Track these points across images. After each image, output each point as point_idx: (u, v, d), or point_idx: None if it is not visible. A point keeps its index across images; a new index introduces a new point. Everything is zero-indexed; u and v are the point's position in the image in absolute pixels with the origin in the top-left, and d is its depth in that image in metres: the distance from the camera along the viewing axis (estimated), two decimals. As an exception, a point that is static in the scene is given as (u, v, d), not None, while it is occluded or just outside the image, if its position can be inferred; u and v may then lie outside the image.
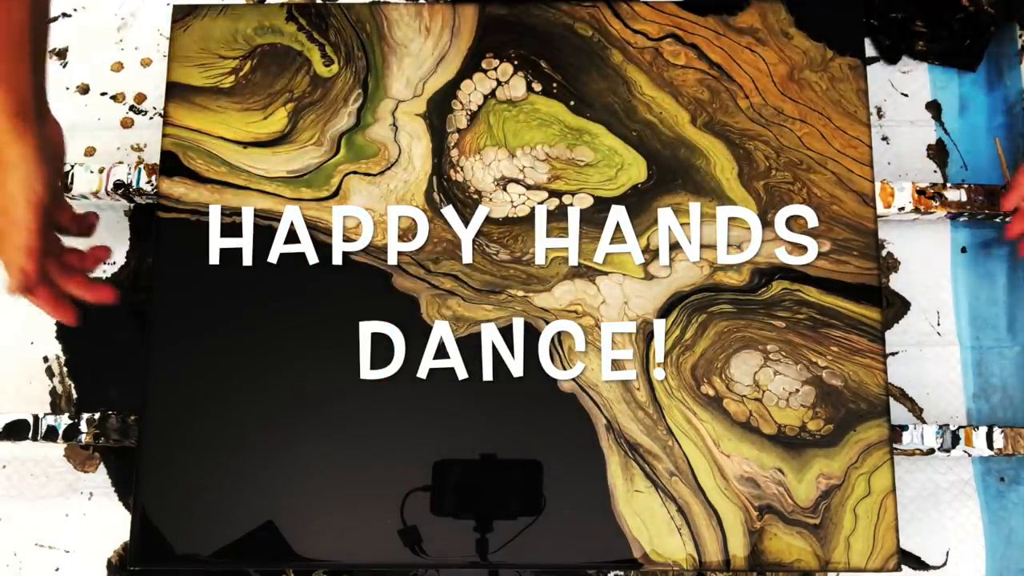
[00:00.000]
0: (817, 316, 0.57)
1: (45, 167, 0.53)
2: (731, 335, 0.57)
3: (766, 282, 0.57)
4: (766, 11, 0.61)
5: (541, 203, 0.59)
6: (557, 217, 0.58)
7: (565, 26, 0.61)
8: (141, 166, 0.62)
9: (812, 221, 0.58)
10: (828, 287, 0.57)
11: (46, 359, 0.65)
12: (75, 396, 0.65)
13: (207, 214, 0.59)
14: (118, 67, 0.69)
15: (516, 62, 0.61)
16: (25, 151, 0.53)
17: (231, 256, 0.58)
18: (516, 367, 0.56)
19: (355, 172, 0.59)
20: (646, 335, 0.57)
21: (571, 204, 0.58)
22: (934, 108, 0.67)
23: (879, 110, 0.67)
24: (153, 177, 0.62)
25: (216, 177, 0.59)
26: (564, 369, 0.56)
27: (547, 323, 0.57)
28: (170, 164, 0.59)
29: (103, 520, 0.62)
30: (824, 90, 0.60)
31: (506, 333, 0.57)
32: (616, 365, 0.56)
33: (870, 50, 0.67)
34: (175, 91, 0.61)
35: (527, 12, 0.61)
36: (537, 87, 0.60)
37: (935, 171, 0.65)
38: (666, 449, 0.55)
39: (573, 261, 0.58)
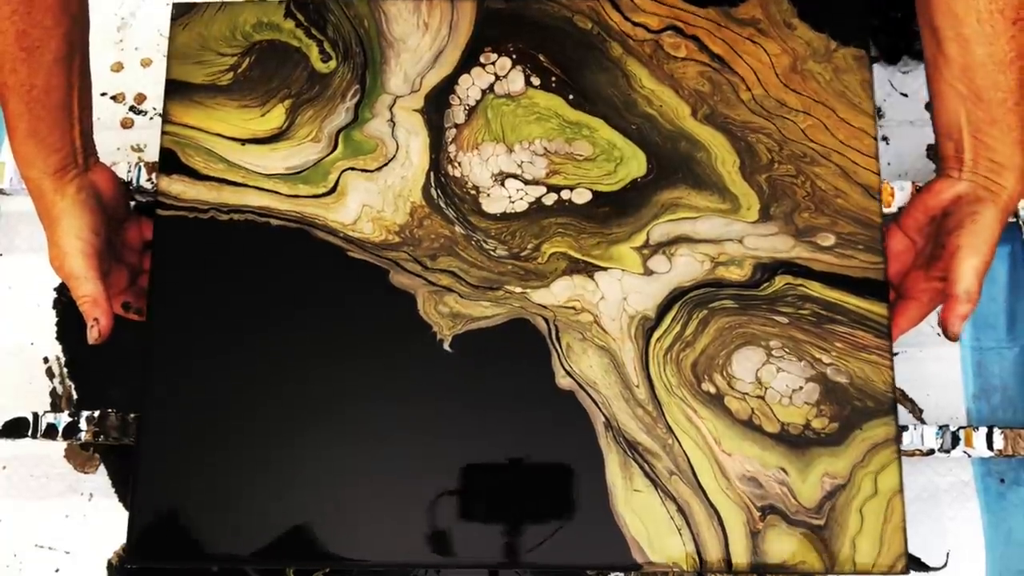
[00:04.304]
0: (821, 311, 0.55)
1: (90, 213, 0.55)
2: (733, 331, 0.55)
3: (768, 277, 0.56)
4: (768, 2, 0.60)
5: (539, 198, 0.58)
6: (555, 212, 0.58)
7: (564, 19, 0.60)
8: (141, 164, 0.62)
9: (818, 220, 0.56)
10: (833, 282, 0.56)
11: (46, 360, 0.66)
12: (75, 397, 0.65)
13: (206, 211, 0.59)
14: (118, 67, 0.69)
15: (514, 56, 0.60)
16: (65, 204, 0.55)
17: (229, 254, 0.58)
18: (513, 364, 0.55)
19: (352, 168, 0.59)
20: (645, 331, 0.56)
21: (570, 199, 0.58)
22: (930, 104, 0.65)
23: (879, 110, 0.65)
24: (153, 175, 0.62)
25: (214, 174, 0.59)
26: (562, 366, 0.55)
27: (545, 319, 0.56)
28: (169, 161, 0.59)
29: (103, 521, 0.62)
30: (828, 81, 0.59)
31: (503, 329, 0.56)
32: (615, 362, 0.55)
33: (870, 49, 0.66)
34: (174, 88, 0.61)
35: (526, 6, 0.61)
36: (536, 81, 0.60)
37: (935, 171, 0.64)
38: (666, 447, 0.54)
39: (572, 257, 0.57)
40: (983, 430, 0.57)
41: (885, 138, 0.65)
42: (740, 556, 0.53)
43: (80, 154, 0.56)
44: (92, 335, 0.55)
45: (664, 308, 0.56)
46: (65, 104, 0.54)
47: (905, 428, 0.57)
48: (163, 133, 0.60)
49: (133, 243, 0.61)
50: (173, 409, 0.56)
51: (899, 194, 0.59)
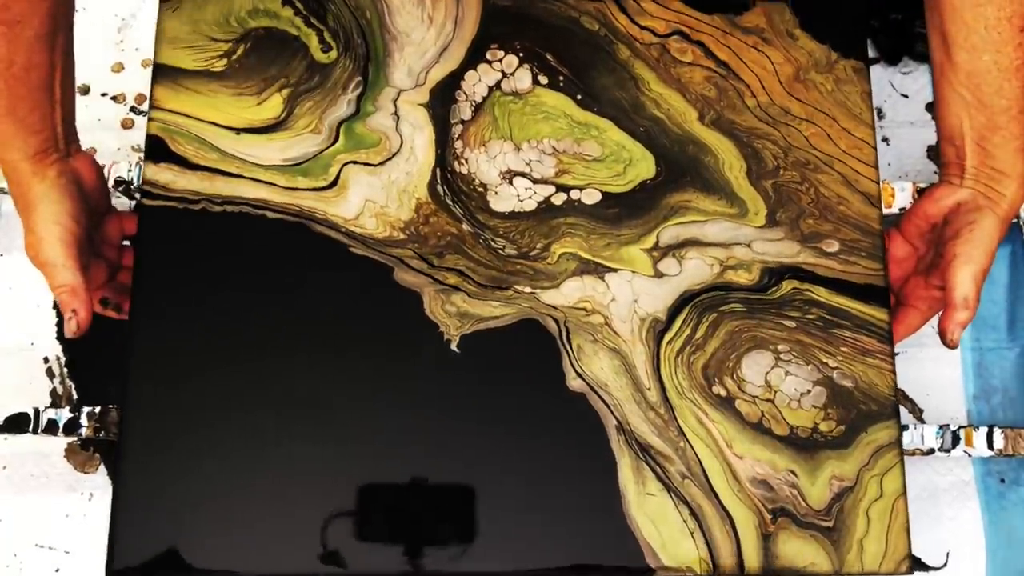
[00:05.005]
0: (827, 316, 0.56)
1: (70, 200, 0.52)
2: (742, 335, 0.56)
3: (776, 281, 0.57)
4: (771, 12, 0.61)
5: (548, 197, 0.57)
6: (565, 212, 0.57)
7: (571, 19, 0.60)
8: (141, 164, 0.60)
9: (822, 227, 0.57)
10: (837, 287, 0.57)
11: (46, 360, 0.64)
12: (75, 397, 0.63)
13: (196, 202, 0.56)
14: (118, 68, 0.69)
15: (521, 54, 0.59)
16: (44, 188, 0.51)
17: (222, 246, 0.55)
18: (523, 365, 0.54)
19: (354, 162, 0.57)
20: (656, 334, 0.55)
21: (579, 199, 0.57)
22: (934, 109, 0.67)
23: (879, 111, 0.67)
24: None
25: (206, 164, 0.56)
26: (573, 368, 0.54)
27: (555, 320, 0.55)
28: (157, 149, 0.56)
29: (103, 521, 0.60)
30: (829, 91, 0.60)
31: (513, 330, 0.55)
32: (626, 364, 0.55)
33: (870, 51, 0.68)
34: (162, 73, 0.58)
35: (532, 4, 0.60)
36: (543, 80, 0.59)
37: (935, 172, 0.66)
38: (678, 451, 0.54)
39: (582, 257, 0.56)
40: (983, 430, 0.59)
41: (886, 139, 0.66)
42: (752, 559, 0.52)
43: (61, 139, 0.53)
44: (70, 328, 0.51)
45: (675, 311, 0.56)
46: (46, 84, 0.51)
47: (905, 428, 0.59)
48: (149, 119, 0.57)
49: (113, 238, 0.58)
50: (158, 411, 0.53)
51: (900, 195, 0.61)
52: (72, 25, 0.53)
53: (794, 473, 0.54)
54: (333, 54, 0.59)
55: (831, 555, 0.53)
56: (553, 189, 0.57)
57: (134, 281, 0.55)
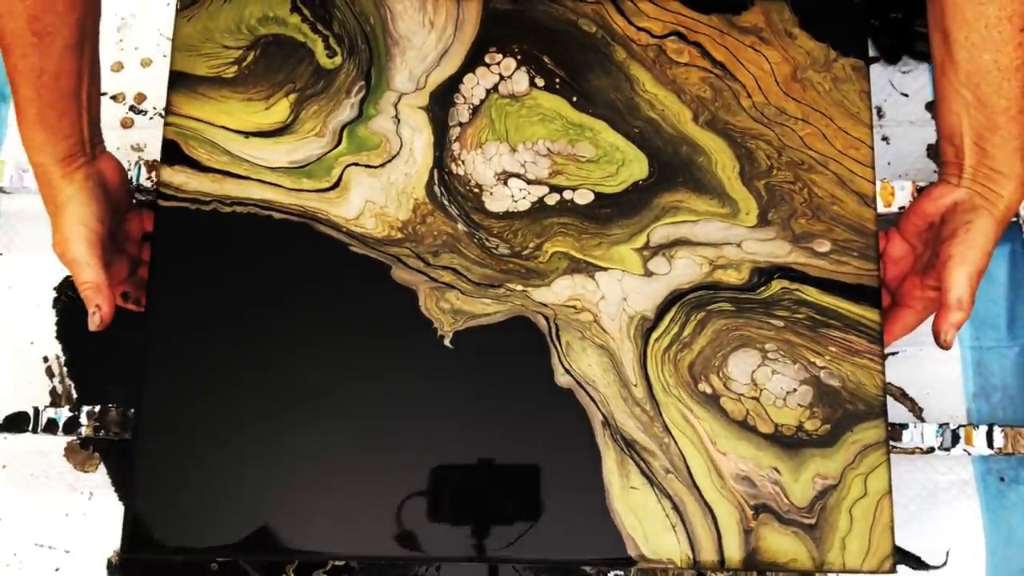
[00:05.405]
0: (816, 316, 0.57)
1: (96, 202, 0.55)
2: (729, 333, 0.56)
3: (765, 281, 0.57)
4: (770, 11, 0.61)
5: (542, 198, 0.59)
6: (558, 212, 0.58)
7: (569, 22, 0.61)
8: (141, 163, 0.63)
9: (815, 227, 0.58)
10: (827, 287, 0.57)
11: (46, 359, 0.66)
12: (75, 396, 0.64)
13: (207, 203, 0.59)
14: (118, 67, 0.70)
15: (519, 57, 0.61)
16: (72, 190, 0.55)
17: (230, 246, 0.58)
18: (513, 361, 0.56)
19: (356, 164, 0.59)
20: (644, 332, 0.56)
21: (572, 199, 0.58)
22: (934, 108, 0.67)
23: (879, 110, 0.67)
24: (153, 173, 0.63)
25: (217, 166, 0.59)
26: (561, 364, 0.56)
27: (545, 318, 0.57)
28: (171, 153, 0.59)
29: (103, 520, 0.62)
30: (827, 91, 0.60)
31: (504, 327, 0.57)
32: (614, 361, 0.56)
33: (870, 50, 0.68)
34: (178, 80, 0.61)
35: (531, 7, 0.61)
36: (540, 82, 0.60)
37: (935, 171, 0.65)
38: (662, 446, 0.55)
39: (573, 256, 0.57)
40: (983, 428, 0.59)
41: (885, 138, 0.66)
42: (733, 553, 0.54)
43: (87, 142, 0.56)
44: (94, 322, 0.55)
45: (663, 309, 0.57)
46: (75, 92, 0.54)
47: (905, 426, 0.59)
48: (165, 124, 0.60)
49: (134, 234, 0.61)
50: (171, 401, 0.56)
51: (899, 193, 0.61)
52: (98, 33, 0.56)
53: (777, 470, 0.55)
54: (338, 59, 0.61)
55: (812, 551, 0.54)
56: (546, 190, 0.59)
57: (150, 277, 0.58)
